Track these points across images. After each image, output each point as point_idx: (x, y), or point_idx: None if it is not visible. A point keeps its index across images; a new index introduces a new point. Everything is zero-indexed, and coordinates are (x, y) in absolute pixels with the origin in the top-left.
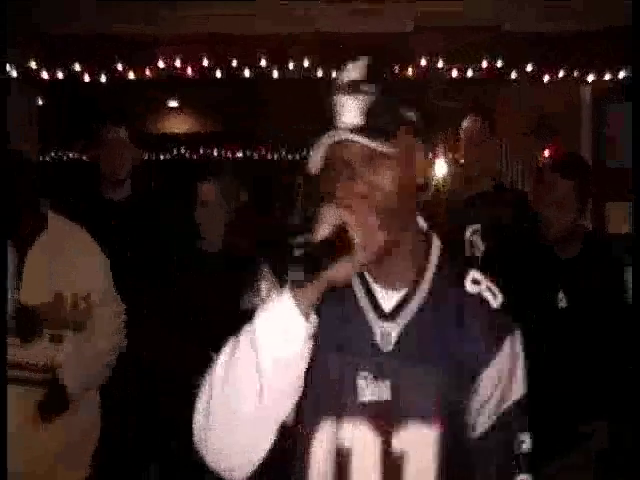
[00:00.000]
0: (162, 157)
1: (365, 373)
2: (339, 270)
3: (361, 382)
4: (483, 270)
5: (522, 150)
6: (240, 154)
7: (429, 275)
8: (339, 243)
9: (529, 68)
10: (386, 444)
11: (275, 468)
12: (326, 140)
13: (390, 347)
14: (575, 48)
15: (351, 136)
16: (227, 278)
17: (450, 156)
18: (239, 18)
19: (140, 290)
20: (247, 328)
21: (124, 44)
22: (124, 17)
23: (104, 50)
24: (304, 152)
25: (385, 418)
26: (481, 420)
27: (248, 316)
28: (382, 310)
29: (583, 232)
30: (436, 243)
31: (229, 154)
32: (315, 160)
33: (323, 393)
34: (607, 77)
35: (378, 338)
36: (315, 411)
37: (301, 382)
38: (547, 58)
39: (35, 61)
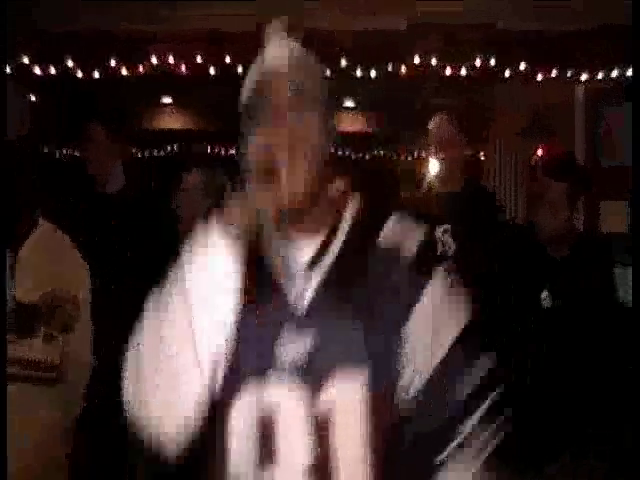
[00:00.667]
0: (158, 153)
1: (285, 331)
2: (263, 198)
3: (281, 341)
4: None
5: (517, 150)
6: (233, 151)
7: (343, 229)
8: (266, 173)
9: (523, 66)
10: (311, 403)
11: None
12: (258, 73)
13: (307, 304)
14: (571, 47)
15: (287, 72)
16: None
17: (424, 154)
18: (238, 17)
19: (134, 282)
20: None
21: (122, 42)
22: (124, 15)
23: (101, 47)
24: None
25: (309, 375)
26: (414, 374)
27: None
28: (297, 264)
29: (575, 232)
30: (354, 203)
31: (222, 151)
32: (246, 90)
33: (241, 358)
34: (601, 76)
35: (294, 293)
36: (233, 377)
37: (231, 319)
38: (542, 56)
39: (28, 58)
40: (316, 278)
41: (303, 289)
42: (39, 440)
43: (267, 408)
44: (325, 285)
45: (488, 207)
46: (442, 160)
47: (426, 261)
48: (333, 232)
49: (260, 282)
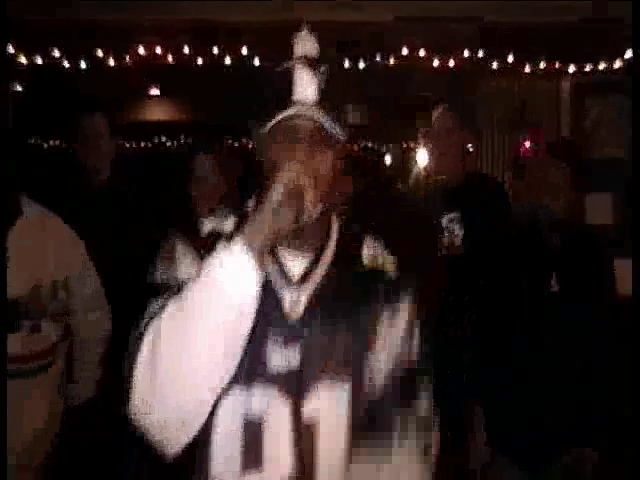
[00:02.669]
0: (145, 144)
1: (275, 340)
2: (284, 218)
3: (271, 349)
4: (466, 259)
5: (504, 142)
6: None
7: (332, 244)
8: (290, 197)
9: (511, 59)
10: (297, 409)
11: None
12: (288, 111)
13: (299, 313)
14: (558, 39)
15: (315, 115)
16: None
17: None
18: (221, 7)
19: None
20: (192, 282)
21: (107, 31)
22: (108, 4)
23: (87, 38)
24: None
25: (296, 384)
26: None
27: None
28: (290, 277)
29: (575, 219)
30: (335, 220)
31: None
32: (269, 126)
33: None
34: (588, 68)
35: (287, 305)
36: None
37: (246, 337)
38: (529, 49)
39: (13, 47)
40: (308, 290)
41: (297, 299)
42: (32, 431)
43: (253, 413)
44: (317, 297)
45: (494, 196)
46: (446, 151)
47: (404, 287)
48: (323, 246)
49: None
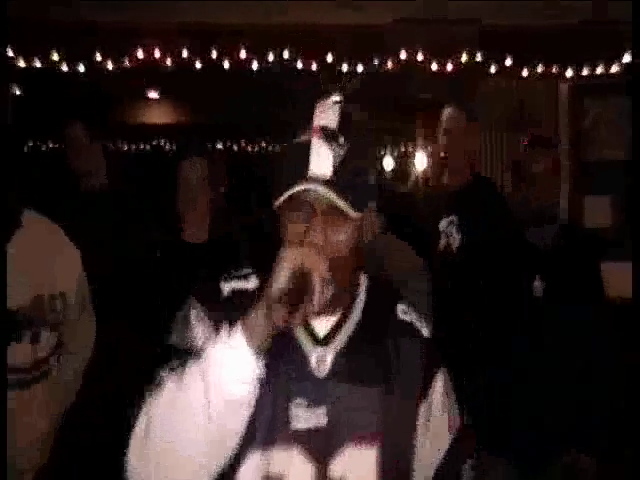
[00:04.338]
0: (144, 147)
1: (300, 400)
2: (292, 316)
3: (296, 409)
4: (458, 261)
5: (504, 143)
6: (220, 145)
7: (359, 304)
8: (297, 287)
9: (509, 62)
10: (323, 471)
11: None
12: (298, 187)
13: (325, 372)
14: (556, 42)
15: (327, 192)
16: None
17: (429, 148)
18: (220, 8)
19: (116, 280)
20: (193, 364)
21: (107, 33)
22: (107, 5)
23: (86, 40)
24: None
25: (321, 444)
26: (422, 452)
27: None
28: (316, 336)
29: (558, 214)
30: (363, 278)
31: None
32: (279, 203)
33: (252, 422)
34: (586, 72)
35: (313, 364)
36: (241, 442)
37: (247, 421)
38: (527, 52)
39: (12, 49)
40: (335, 348)
41: (324, 357)
42: (28, 441)
43: (275, 473)
44: (343, 356)
45: (495, 201)
46: (454, 152)
47: (438, 353)
48: (350, 305)
49: (280, 346)
